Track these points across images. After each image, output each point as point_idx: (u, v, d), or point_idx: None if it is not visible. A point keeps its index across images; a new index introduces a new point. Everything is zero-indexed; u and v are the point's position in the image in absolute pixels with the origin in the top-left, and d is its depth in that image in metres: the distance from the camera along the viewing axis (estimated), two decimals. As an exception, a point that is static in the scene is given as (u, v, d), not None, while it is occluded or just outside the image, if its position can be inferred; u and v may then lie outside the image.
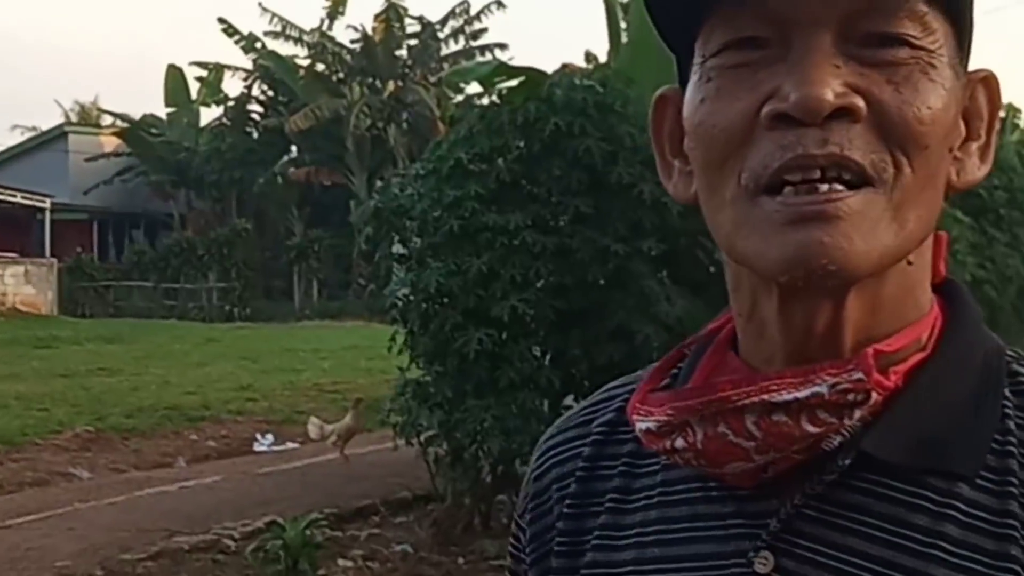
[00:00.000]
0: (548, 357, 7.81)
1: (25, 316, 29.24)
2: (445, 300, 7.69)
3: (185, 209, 39.76)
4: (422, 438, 8.28)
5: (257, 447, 13.01)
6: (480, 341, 7.48)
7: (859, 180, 0.87)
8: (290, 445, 12.89)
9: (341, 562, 7.90)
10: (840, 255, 0.86)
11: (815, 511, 0.92)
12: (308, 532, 7.76)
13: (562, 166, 7.65)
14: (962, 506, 0.90)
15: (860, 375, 0.89)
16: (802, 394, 0.89)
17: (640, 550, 0.99)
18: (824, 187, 0.87)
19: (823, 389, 0.89)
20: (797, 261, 0.86)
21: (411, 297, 7.85)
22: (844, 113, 0.87)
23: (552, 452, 1.10)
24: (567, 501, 1.06)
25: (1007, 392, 0.95)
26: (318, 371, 17.98)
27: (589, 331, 7.62)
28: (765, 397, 0.90)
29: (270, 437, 13.26)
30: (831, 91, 0.86)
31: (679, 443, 0.94)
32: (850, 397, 0.89)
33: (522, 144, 7.77)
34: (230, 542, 8.33)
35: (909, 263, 0.93)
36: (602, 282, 7.59)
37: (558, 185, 7.66)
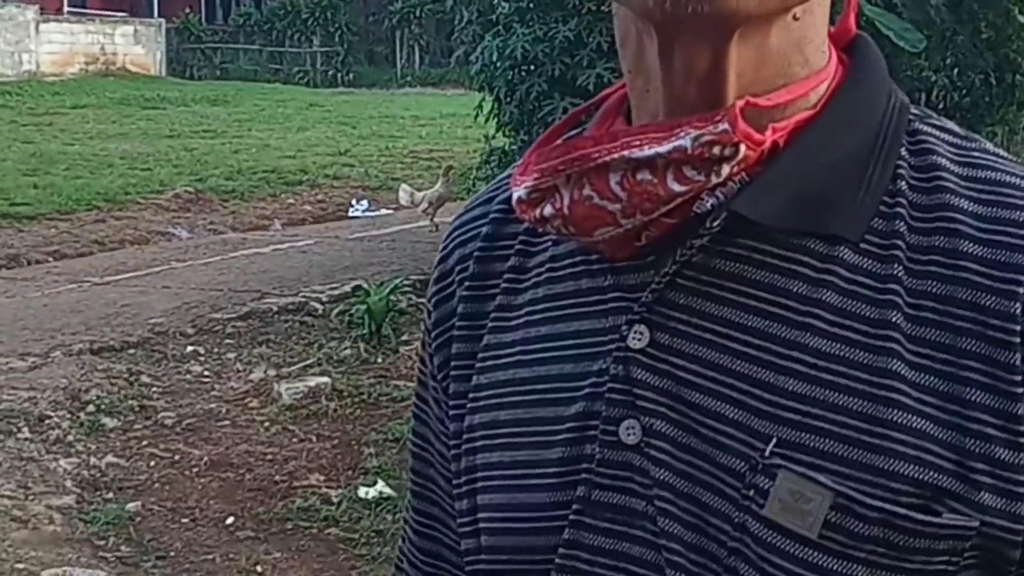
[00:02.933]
0: (633, 127, 7.72)
1: (135, 76, 29.56)
2: (531, 67, 7.57)
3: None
4: (507, 207, 8.29)
5: (351, 212, 13.17)
6: (565, 110, 7.37)
7: None
8: (383, 211, 13.03)
9: (425, 328, 8.02)
10: None
11: (689, 280, 0.87)
12: (392, 297, 7.91)
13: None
14: (843, 271, 0.85)
15: (725, 126, 0.82)
16: (664, 148, 0.83)
17: (528, 329, 0.96)
18: None
19: (686, 142, 0.83)
20: None
21: (497, 64, 7.75)
22: None
23: (456, 233, 1.05)
24: (466, 283, 1.01)
25: (903, 152, 0.89)
26: (415, 138, 18.03)
27: (677, 102, 7.50)
28: (626, 153, 0.84)
29: (364, 203, 13.40)
30: None
31: (547, 210, 0.88)
32: (716, 151, 0.83)
33: (613, -95, 7.48)
34: (317, 305, 8.50)
35: (795, 18, 0.85)
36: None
37: (648, -50, 7.39)
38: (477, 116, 8.70)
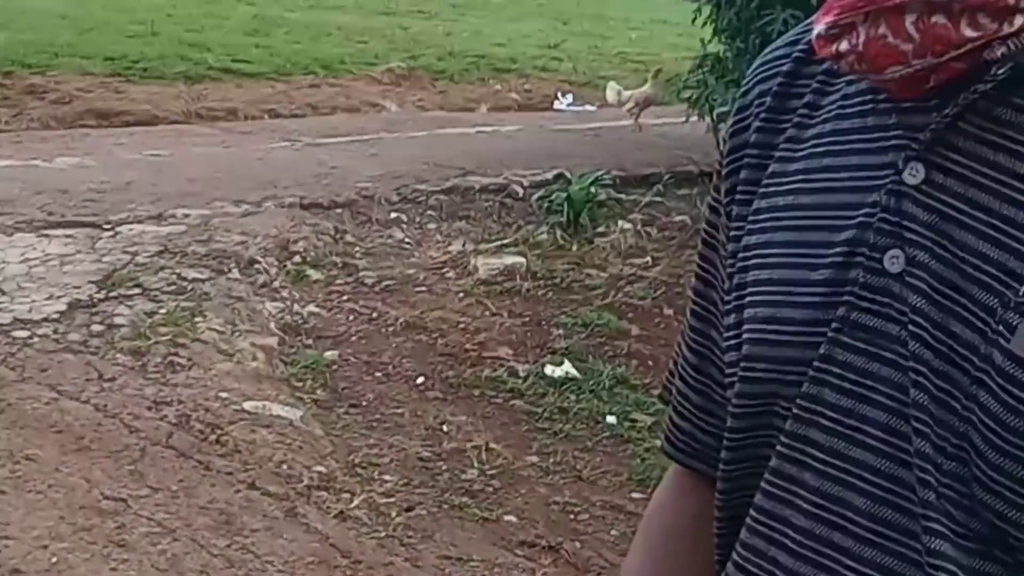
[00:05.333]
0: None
1: (354, -48, 29.88)
2: (755, -24, 7.52)
3: None
4: (715, 114, 8.29)
5: (556, 105, 13.24)
6: (785, 22, 7.32)
7: None
8: (588, 107, 13.06)
9: (620, 222, 8.12)
10: None
11: (969, 125, 0.91)
12: (592, 189, 8.02)
13: None
14: None
15: None
16: None
17: (811, 160, 1.02)
18: None
19: None
20: None
21: (722, -31, 7.72)
22: None
23: (759, 69, 1.11)
24: (762, 116, 1.08)
25: None
26: (625, 40, 17.91)
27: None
28: None
29: (570, 97, 13.44)
30: None
31: (843, 46, 0.94)
32: (1011, 0, 0.87)
33: None
34: (518, 188, 8.64)
35: None
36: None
37: None
38: (694, 20, 8.67)
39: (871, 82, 0.97)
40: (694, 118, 8.81)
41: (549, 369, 5.73)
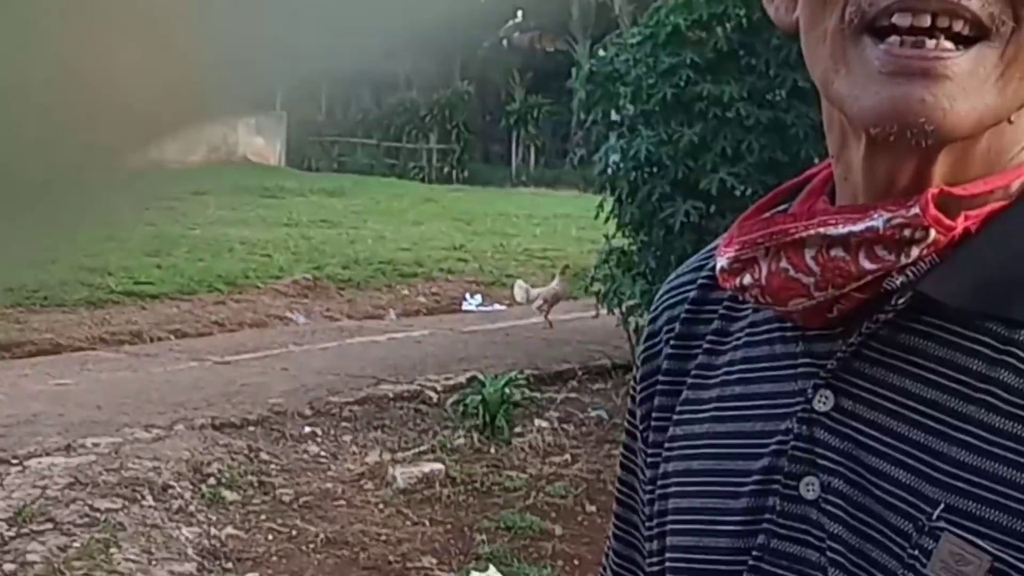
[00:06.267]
0: (754, 233, 7.78)
1: (254, 166, 30.24)
2: (654, 169, 7.69)
3: (410, 69, 40.28)
4: (624, 307, 8.38)
5: (465, 306, 13.33)
6: (687, 213, 7.49)
7: (972, 32, 0.83)
8: (497, 307, 13.17)
9: (537, 421, 8.09)
10: (939, 116, 0.83)
11: (874, 352, 0.92)
12: (507, 390, 7.99)
13: (782, 37, 7.40)
14: (1021, 354, 0.87)
15: (916, 211, 0.87)
16: (857, 228, 0.89)
17: (724, 388, 1.03)
18: (931, 43, 0.83)
19: (878, 223, 0.88)
20: (892, 115, 0.84)
21: (620, 165, 7.88)
22: None
23: (666, 296, 1.13)
24: (672, 342, 1.09)
25: None
26: (529, 236, 18.20)
27: (798, 209, 7.54)
28: (821, 230, 0.90)
29: (478, 297, 13.56)
30: None
31: (747, 280, 0.95)
32: (906, 233, 0.88)
33: (742, 12, 7.53)
34: (432, 394, 8.61)
35: (1010, 121, 0.88)
36: (816, 160, 7.45)
37: (776, 57, 7.47)
38: (597, 216, 8.81)
39: (776, 312, 0.98)
40: (603, 312, 8.90)
41: (475, 576, 5.62)
